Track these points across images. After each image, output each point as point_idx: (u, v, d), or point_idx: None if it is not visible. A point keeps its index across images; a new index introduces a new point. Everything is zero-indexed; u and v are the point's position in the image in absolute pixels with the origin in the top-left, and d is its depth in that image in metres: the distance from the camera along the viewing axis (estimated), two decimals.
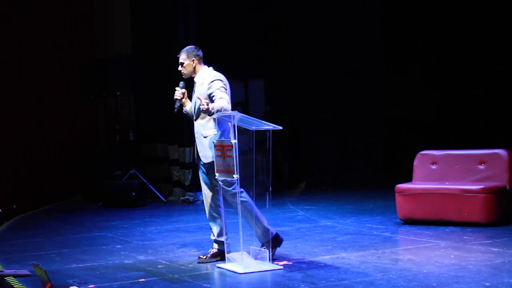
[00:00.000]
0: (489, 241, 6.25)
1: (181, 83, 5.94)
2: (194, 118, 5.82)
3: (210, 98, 5.64)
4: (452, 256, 5.64)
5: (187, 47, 5.91)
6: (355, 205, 9.43)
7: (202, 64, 5.87)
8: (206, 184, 5.83)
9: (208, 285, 5.03)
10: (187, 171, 10.80)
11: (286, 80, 13.15)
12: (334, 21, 12.11)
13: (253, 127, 5.42)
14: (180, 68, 5.86)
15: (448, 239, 6.45)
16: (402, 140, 11.99)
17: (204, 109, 5.39)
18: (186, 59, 5.83)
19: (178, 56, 5.88)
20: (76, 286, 5.03)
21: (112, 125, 11.81)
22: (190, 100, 5.93)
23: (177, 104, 5.92)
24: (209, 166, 5.71)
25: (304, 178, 12.56)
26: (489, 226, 6.96)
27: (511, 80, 10.93)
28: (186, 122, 9.94)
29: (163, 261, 5.93)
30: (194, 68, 5.84)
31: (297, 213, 8.85)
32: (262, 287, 5.03)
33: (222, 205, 5.81)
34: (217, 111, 5.43)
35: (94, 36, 13.28)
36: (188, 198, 10.58)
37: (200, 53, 5.87)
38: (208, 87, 5.68)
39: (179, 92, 5.90)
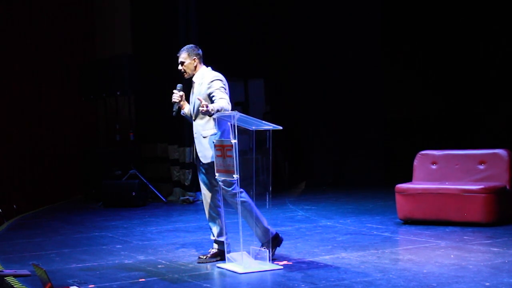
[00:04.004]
0: (489, 241, 6.25)
1: (179, 86, 5.92)
2: (193, 118, 5.81)
3: (210, 98, 5.63)
4: (452, 256, 5.64)
5: (187, 46, 5.90)
6: (355, 205, 9.43)
7: (202, 64, 5.87)
8: (205, 184, 5.83)
9: (208, 285, 5.03)
10: (187, 171, 10.80)
11: (286, 80, 13.15)
12: (334, 21, 12.11)
13: (253, 127, 5.41)
14: (180, 67, 5.84)
15: (448, 239, 6.45)
16: (402, 140, 11.99)
17: (203, 111, 5.38)
18: (187, 58, 5.81)
19: (178, 55, 5.85)
20: (76, 286, 5.03)
21: (112, 125, 11.81)
22: (188, 102, 5.92)
23: (175, 107, 5.91)
24: (208, 167, 5.71)
25: (304, 178, 12.56)
26: (489, 226, 6.96)
27: (511, 79, 10.93)
28: (186, 122, 9.92)
29: (163, 261, 5.93)
30: (195, 67, 5.82)
31: (297, 213, 8.85)
32: (262, 287, 5.03)
33: (221, 205, 5.81)
34: (217, 111, 5.42)
35: (94, 36, 13.29)
36: (188, 198, 10.58)
37: (200, 52, 5.86)
38: (208, 86, 5.67)
39: (177, 95, 5.89)
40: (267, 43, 12.99)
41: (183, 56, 5.82)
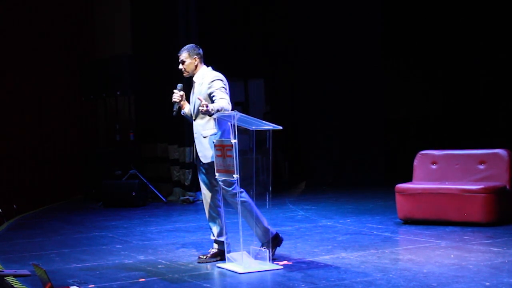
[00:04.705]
0: (489, 241, 6.26)
1: (179, 86, 5.92)
2: (193, 118, 5.81)
3: (210, 98, 5.63)
4: (452, 256, 5.64)
5: (188, 46, 5.90)
6: (355, 205, 9.42)
7: (202, 63, 5.87)
8: (205, 184, 5.83)
9: (208, 285, 5.03)
10: (187, 171, 10.80)
11: (286, 80, 13.15)
12: (334, 21, 12.11)
13: (253, 127, 5.41)
14: (180, 66, 5.83)
15: (448, 239, 6.45)
16: (402, 140, 11.99)
17: (203, 110, 5.38)
18: (188, 57, 5.80)
19: (179, 54, 5.85)
20: (76, 286, 5.04)
21: (112, 125, 11.81)
22: (188, 102, 5.92)
23: (176, 107, 5.91)
24: (209, 167, 5.71)
25: (304, 178, 12.56)
26: (489, 226, 6.96)
27: (511, 80, 10.94)
28: (186, 122, 9.94)
29: (163, 261, 5.93)
30: (196, 66, 5.82)
31: (297, 213, 8.85)
32: (262, 287, 5.03)
33: (221, 205, 5.81)
34: (217, 111, 5.43)
35: (94, 36, 13.28)
36: (188, 198, 10.58)
37: (201, 51, 5.86)
38: (209, 86, 5.67)
39: (177, 95, 5.88)
40: (267, 43, 12.99)
41: (183, 55, 5.82)
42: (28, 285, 5.14)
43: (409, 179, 7.85)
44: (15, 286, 5.13)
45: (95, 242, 7.13)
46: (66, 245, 7.05)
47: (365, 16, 12.04)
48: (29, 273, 5.44)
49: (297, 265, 5.51)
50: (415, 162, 7.91)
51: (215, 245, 5.87)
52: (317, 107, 12.41)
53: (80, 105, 12.68)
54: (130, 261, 5.99)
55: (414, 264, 5.39)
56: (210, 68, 5.86)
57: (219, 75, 5.74)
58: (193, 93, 5.82)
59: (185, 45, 5.94)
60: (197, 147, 5.77)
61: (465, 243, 6.22)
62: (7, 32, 12.38)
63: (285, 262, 5.63)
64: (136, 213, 9.60)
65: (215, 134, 5.64)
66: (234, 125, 5.34)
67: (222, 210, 5.81)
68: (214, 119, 5.60)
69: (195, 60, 5.80)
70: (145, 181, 10.79)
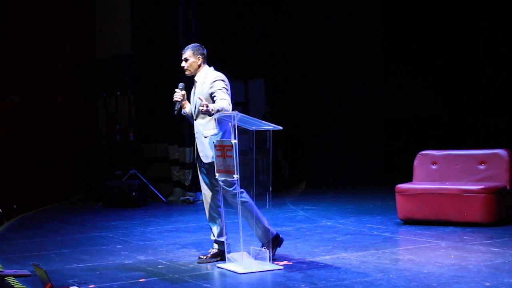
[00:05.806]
0: (489, 241, 6.26)
1: (181, 85, 5.92)
2: (194, 118, 5.81)
3: (212, 97, 5.63)
4: (452, 256, 5.64)
5: (193, 44, 5.89)
6: (355, 205, 9.42)
7: (205, 63, 5.86)
8: (206, 184, 5.83)
9: (208, 285, 5.03)
10: (187, 171, 10.80)
11: (286, 80, 13.14)
12: (334, 20, 12.11)
13: (253, 127, 5.41)
14: (183, 64, 5.83)
15: (448, 239, 6.45)
16: (402, 140, 11.99)
17: (203, 110, 5.38)
18: (192, 56, 5.80)
19: (183, 52, 5.84)
20: (76, 286, 5.04)
21: (112, 125, 11.81)
22: (189, 102, 5.92)
23: (177, 106, 5.90)
24: (209, 166, 5.71)
25: (304, 178, 12.55)
26: (489, 226, 6.96)
27: (511, 80, 10.94)
28: (186, 122, 9.94)
29: (163, 261, 5.93)
30: (199, 66, 5.82)
31: (297, 213, 8.85)
32: (262, 287, 5.03)
33: (222, 205, 5.81)
34: (217, 111, 5.42)
35: (94, 36, 13.28)
36: (188, 198, 10.58)
37: (205, 51, 5.86)
38: (210, 86, 5.67)
39: (179, 94, 5.88)
40: (267, 43, 12.99)
41: (188, 53, 5.81)
42: (28, 285, 5.14)
43: (409, 179, 7.85)
44: (15, 286, 5.13)
45: (95, 242, 7.13)
46: (66, 245, 7.05)
47: (364, 16, 12.03)
48: (29, 273, 5.44)
49: (297, 265, 5.51)
50: (415, 162, 7.91)
51: (215, 245, 5.87)
52: (317, 107, 12.40)
53: (80, 105, 12.68)
54: (130, 261, 5.99)
55: (414, 264, 5.39)
56: (212, 68, 5.86)
57: (221, 75, 5.74)
58: (194, 92, 5.82)
59: (185, 45, 5.94)
60: (198, 147, 5.77)
61: (465, 243, 6.22)
62: (7, 32, 12.37)
63: (285, 262, 5.63)
64: (136, 213, 9.60)
65: (216, 135, 5.64)
66: (235, 126, 5.34)
67: (222, 210, 5.81)
68: (215, 119, 5.60)
69: (199, 60, 5.80)
70: (145, 181, 10.79)
